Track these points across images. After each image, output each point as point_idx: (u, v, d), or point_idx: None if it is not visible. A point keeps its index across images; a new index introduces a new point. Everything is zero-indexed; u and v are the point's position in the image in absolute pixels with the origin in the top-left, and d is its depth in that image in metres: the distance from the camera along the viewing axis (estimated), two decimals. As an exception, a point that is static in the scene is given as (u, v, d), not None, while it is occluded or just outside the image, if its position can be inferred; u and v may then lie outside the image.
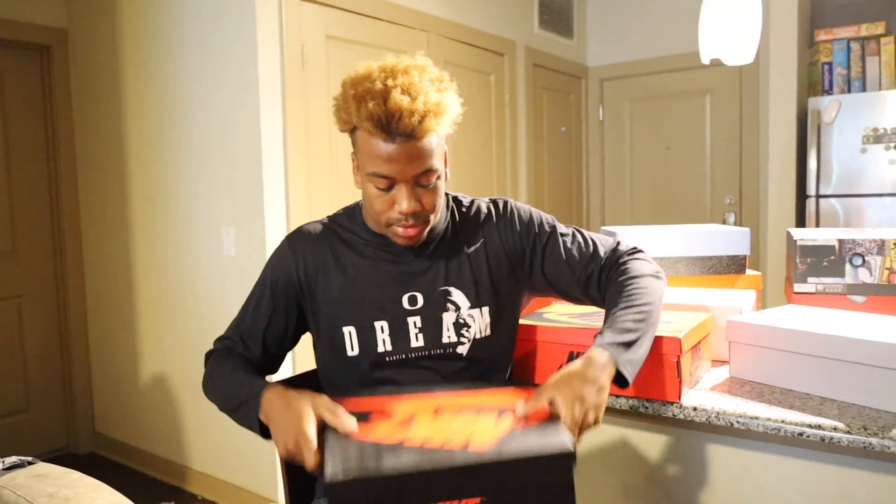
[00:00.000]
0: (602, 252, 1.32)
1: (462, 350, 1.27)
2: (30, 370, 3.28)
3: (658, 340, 1.26)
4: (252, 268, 2.58)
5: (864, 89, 3.37)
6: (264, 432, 1.13)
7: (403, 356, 1.25)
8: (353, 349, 1.25)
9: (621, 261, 1.31)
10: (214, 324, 2.75)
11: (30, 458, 0.86)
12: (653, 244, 1.82)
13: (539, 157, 4.18)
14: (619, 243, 1.36)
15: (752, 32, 1.80)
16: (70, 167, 3.36)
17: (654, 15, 4.35)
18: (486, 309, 1.29)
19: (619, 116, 4.63)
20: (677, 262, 1.82)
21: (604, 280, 1.30)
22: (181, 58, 2.82)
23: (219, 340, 1.35)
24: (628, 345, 1.13)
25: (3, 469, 0.84)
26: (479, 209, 1.36)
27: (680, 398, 1.26)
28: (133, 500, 0.83)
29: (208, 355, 1.35)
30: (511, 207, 1.36)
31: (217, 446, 2.85)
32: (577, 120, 4.62)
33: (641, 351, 1.16)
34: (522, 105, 3.98)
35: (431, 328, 1.26)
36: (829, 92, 3.44)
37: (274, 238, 2.57)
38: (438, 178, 1.20)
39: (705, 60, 1.90)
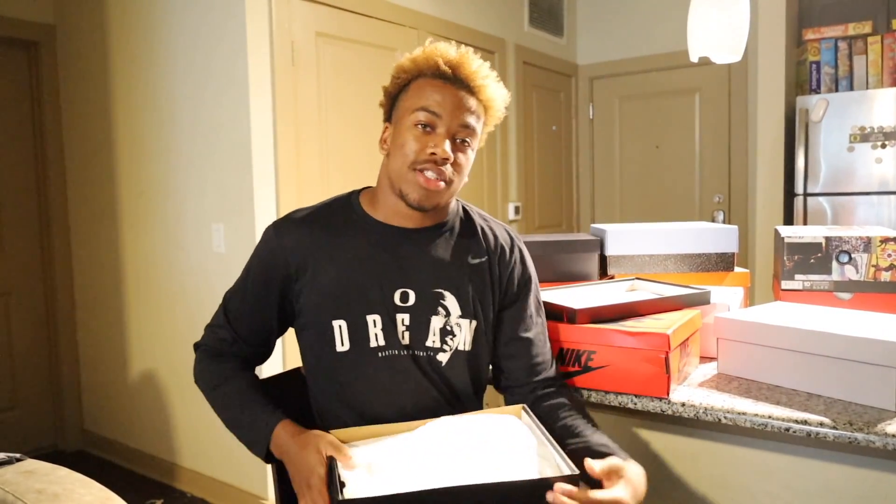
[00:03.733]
0: (551, 362, 1.33)
1: (442, 358, 1.24)
2: (17, 367, 3.26)
3: (647, 337, 1.26)
4: (242, 264, 2.56)
5: (851, 88, 3.39)
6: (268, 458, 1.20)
7: (395, 352, 1.21)
8: (342, 343, 1.21)
9: (563, 384, 1.33)
10: (203, 321, 2.69)
11: (17, 455, 0.86)
12: (642, 242, 1.83)
13: (529, 155, 4.19)
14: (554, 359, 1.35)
15: (741, 31, 1.80)
16: (58, 163, 3.34)
17: (643, 13, 4.36)
18: (473, 323, 1.26)
19: (609, 114, 4.64)
20: (666, 259, 1.83)
21: (550, 391, 1.29)
22: (170, 54, 2.80)
23: (209, 328, 1.36)
24: None
25: (-9, 466, 0.84)
26: (493, 229, 1.34)
27: (668, 394, 1.27)
28: (121, 498, 0.83)
29: (198, 346, 1.37)
30: (523, 249, 1.36)
31: (206, 443, 2.84)
32: (566, 118, 4.63)
33: None
34: (512, 103, 3.97)
35: (417, 328, 1.22)
36: (817, 91, 3.46)
37: (264, 235, 2.56)
38: (471, 149, 1.24)
39: (694, 59, 1.90)
